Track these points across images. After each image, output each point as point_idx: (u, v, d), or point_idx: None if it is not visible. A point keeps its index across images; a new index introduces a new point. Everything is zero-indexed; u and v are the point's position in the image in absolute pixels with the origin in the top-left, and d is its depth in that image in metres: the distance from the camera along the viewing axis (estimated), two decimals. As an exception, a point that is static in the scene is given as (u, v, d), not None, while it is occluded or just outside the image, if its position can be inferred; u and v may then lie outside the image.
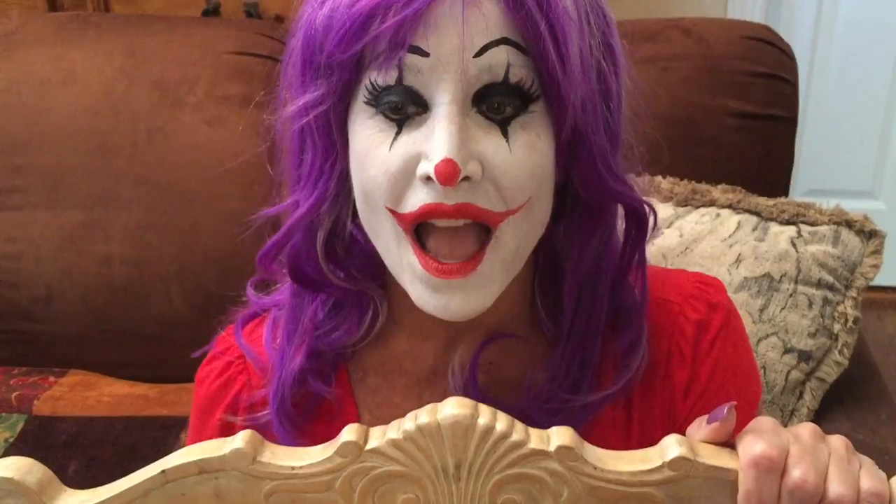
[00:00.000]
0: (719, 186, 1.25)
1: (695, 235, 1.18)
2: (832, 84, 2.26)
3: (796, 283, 1.12)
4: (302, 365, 0.70)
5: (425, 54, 0.56)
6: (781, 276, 1.12)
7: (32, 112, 1.46)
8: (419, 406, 0.52)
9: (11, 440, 1.36)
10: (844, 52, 2.23)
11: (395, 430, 0.52)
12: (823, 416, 1.11)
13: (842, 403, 1.13)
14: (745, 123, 1.36)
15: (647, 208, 0.68)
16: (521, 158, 0.58)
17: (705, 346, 0.70)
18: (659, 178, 1.27)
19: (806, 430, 0.53)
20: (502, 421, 0.51)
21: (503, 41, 0.57)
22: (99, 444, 1.35)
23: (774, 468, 0.50)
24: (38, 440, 1.36)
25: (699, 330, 0.71)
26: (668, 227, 1.20)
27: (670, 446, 0.51)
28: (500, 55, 0.57)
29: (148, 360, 1.46)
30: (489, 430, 0.51)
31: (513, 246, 0.60)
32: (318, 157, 0.64)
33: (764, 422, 0.53)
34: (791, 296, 1.12)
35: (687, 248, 1.16)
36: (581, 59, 0.59)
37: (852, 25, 2.20)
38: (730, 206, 1.21)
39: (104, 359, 1.47)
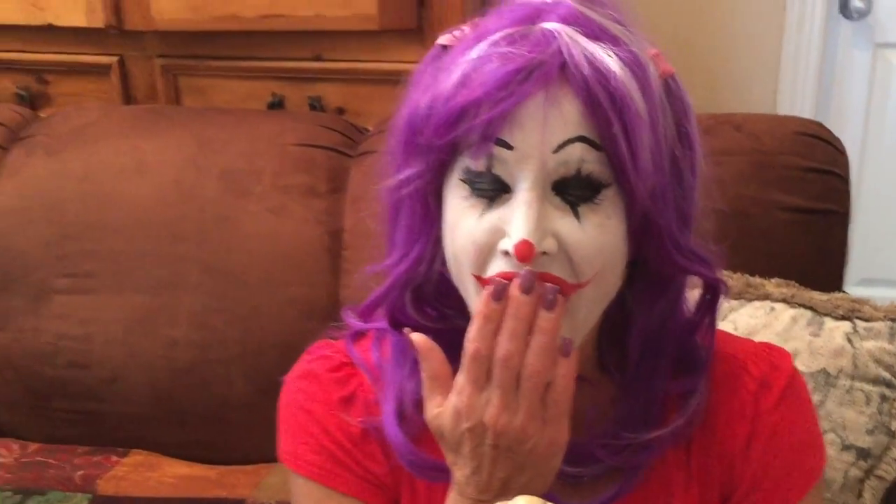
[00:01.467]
0: (773, 280, 1.27)
1: (749, 329, 1.19)
2: (884, 174, 2.27)
3: (853, 379, 1.13)
4: (418, 397, 0.73)
5: (510, 147, 0.64)
6: (838, 372, 1.13)
7: (107, 199, 1.53)
8: None
9: (77, 518, 1.40)
10: (894, 143, 2.25)
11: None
12: (883, 516, 1.11)
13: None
14: (797, 218, 1.38)
15: (717, 279, 0.73)
16: (592, 237, 0.64)
17: (766, 405, 0.75)
18: (713, 272, 1.29)
19: None
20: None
21: (579, 139, 0.64)
22: (160, 525, 1.38)
23: None
24: (101, 519, 1.40)
25: (761, 387, 0.76)
26: (722, 320, 1.22)
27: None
28: (576, 151, 0.64)
29: (209, 441, 1.50)
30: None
31: (583, 314, 0.67)
32: (416, 222, 0.72)
33: None
34: (848, 392, 1.12)
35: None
36: (652, 154, 0.65)
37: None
38: (784, 301, 1.23)
39: (166, 439, 1.51)
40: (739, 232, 1.39)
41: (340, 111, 1.74)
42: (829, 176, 1.41)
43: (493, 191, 0.65)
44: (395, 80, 1.83)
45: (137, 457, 1.50)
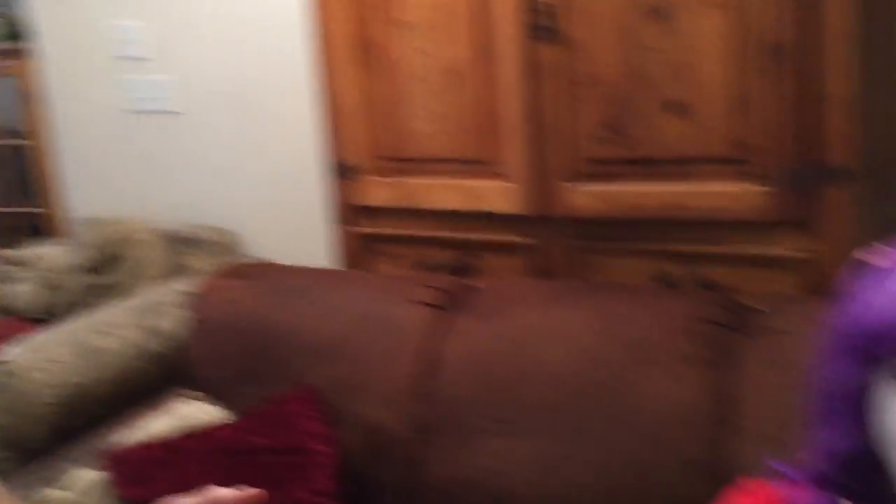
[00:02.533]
0: None
1: None
2: None
3: None
4: None
5: None
6: None
7: (528, 358, 1.82)
8: None
9: None
10: None
11: None
12: None
13: None
14: None
15: None
16: None
17: None
18: None
19: None
20: None
21: None
22: None
23: None
24: None
25: None
26: None
27: None
28: None
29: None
30: None
31: None
32: (842, 415, 0.81)
33: None
34: None
35: None
36: None
37: None
38: None
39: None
40: None
41: (734, 291, 1.90)
42: None
43: None
44: (778, 264, 2.00)
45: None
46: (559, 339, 1.83)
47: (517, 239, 2.14)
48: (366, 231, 2.37)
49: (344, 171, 2.34)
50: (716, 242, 1.92)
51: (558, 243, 2.09)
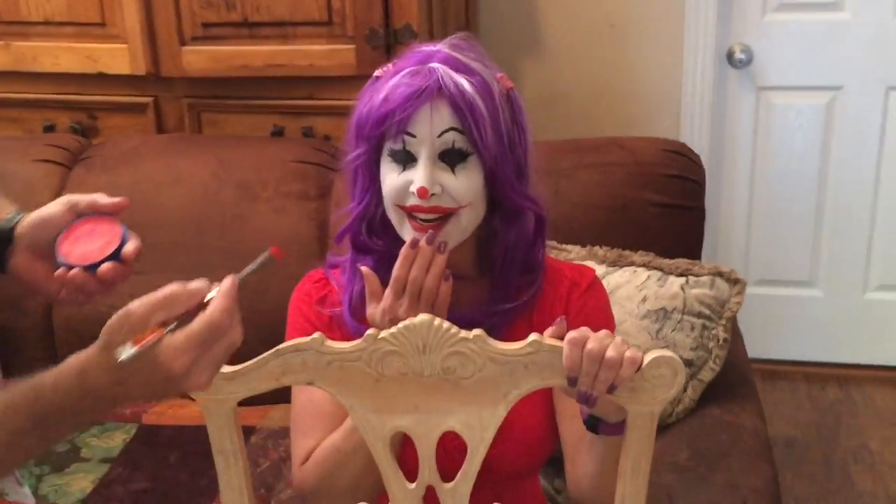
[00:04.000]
0: (638, 252, 1.76)
1: (616, 284, 1.69)
2: (770, 197, 2.79)
3: (683, 313, 1.62)
4: (361, 289, 1.21)
5: (413, 136, 1.13)
6: (672, 309, 1.63)
7: (150, 205, 2.02)
8: None
9: (128, 440, 1.88)
10: (777, 170, 2.76)
11: (394, 328, 1.02)
12: (701, 404, 1.60)
13: (716, 398, 1.62)
14: (663, 211, 1.88)
15: (541, 211, 1.21)
16: (463, 182, 1.13)
17: (575, 297, 1.24)
18: (597, 248, 1.78)
19: (602, 332, 1.03)
20: (446, 323, 1.02)
21: (451, 129, 1.12)
22: (191, 444, 1.85)
23: (579, 344, 0.99)
24: (146, 440, 1.87)
25: (571, 286, 1.25)
26: (602, 279, 1.71)
27: (530, 337, 1.01)
28: (450, 135, 1.12)
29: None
30: (440, 326, 1.01)
31: (463, 223, 1.15)
32: (365, 181, 1.20)
33: (582, 328, 1.04)
34: (679, 322, 1.62)
35: (611, 292, 1.66)
36: (493, 134, 1.13)
37: (781, 147, 2.75)
38: (643, 265, 1.72)
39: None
40: (621, 221, 1.89)
41: (327, 138, 2.24)
42: (687, 181, 1.91)
43: (406, 161, 1.13)
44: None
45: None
46: (178, 185, 2.05)
47: (135, 99, 2.30)
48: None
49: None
50: (317, 97, 2.22)
51: (175, 102, 2.30)
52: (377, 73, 1.19)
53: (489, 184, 1.16)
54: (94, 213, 1.13)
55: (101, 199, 1.13)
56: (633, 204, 1.88)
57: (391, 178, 1.15)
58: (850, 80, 2.67)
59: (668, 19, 2.64)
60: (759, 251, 2.86)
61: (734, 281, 1.66)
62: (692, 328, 1.62)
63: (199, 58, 2.21)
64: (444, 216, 1.14)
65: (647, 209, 1.88)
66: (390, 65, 1.19)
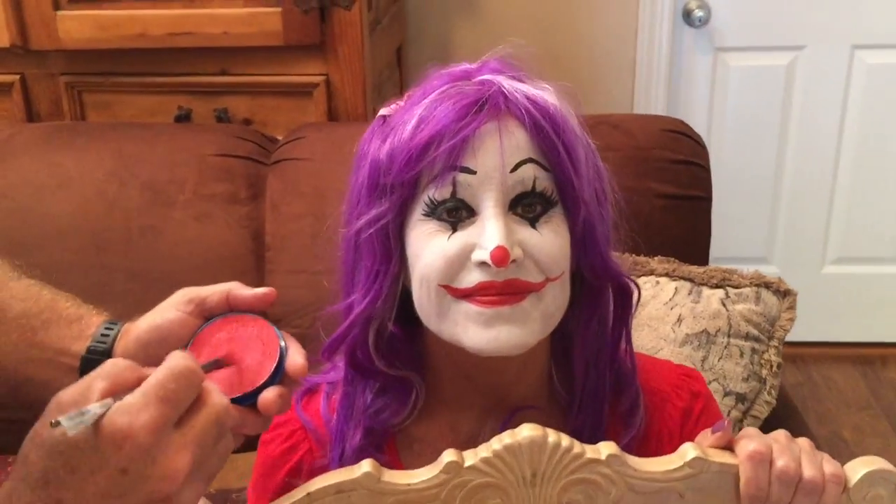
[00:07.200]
0: (656, 258, 1.46)
1: (643, 301, 1.38)
2: (726, 163, 2.55)
3: (729, 336, 1.34)
4: (360, 443, 0.85)
5: (473, 172, 0.74)
6: (716, 332, 1.34)
7: (29, 215, 1.59)
8: None
9: None
10: (734, 135, 2.53)
11: (485, 450, 0.69)
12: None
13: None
14: (670, 203, 1.59)
15: (632, 286, 0.86)
16: (550, 241, 0.76)
17: (689, 427, 0.88)
18: (603, 253, 1.47)
19: (781, 433, 0.72)
20: (565, 438, 0.69)
21: (530, 160, 0.75)
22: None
23: (765, 460, 0.69)
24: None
25: (684, 416, 0.88)
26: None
27: (688, 451, 0.70)
28: (529, 170, 0.75)
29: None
30: (557, 445, 0.68)
31: (550, 303, 0.76)
32: (376, 262, 0.79)
33: (751, 430, 0.72)
34: (725, 347, 1.33)
35: (635, 312, 1.36)
36: (587, 169, 0.78)
37: (739, 112, 2.51)
38: (666, 275, 1.43)
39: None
40: (621, 217, 1.59)
41: (247, 122, 1.83)
42: (693, 167, 1.63)
43: (457, 216, 0.75)
44: (299, 91, 1.98)
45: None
46: (67, 190, 1.61)
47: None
48: None
49: None
50: (232, 72, 1.81)
51: (48, 80, 1.85)
52: (384, 111, 0.81)
53: (577, 248, 0.79)
54: (229, 311, 0.76)
55: (239, 289, 0.77)
56: (636, 196, 1.57)
57: (436, 244, 0.76)
58: (813, 39, 2.44)
59: (619, -28, 2.34)
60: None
61: (784, 293, 1.38)
62: (741, 354, 1.34)
63: (78, 25, 1.77)
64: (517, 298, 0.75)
65: (651, 201, 1.58)
66: (401, 99, 0.80)
